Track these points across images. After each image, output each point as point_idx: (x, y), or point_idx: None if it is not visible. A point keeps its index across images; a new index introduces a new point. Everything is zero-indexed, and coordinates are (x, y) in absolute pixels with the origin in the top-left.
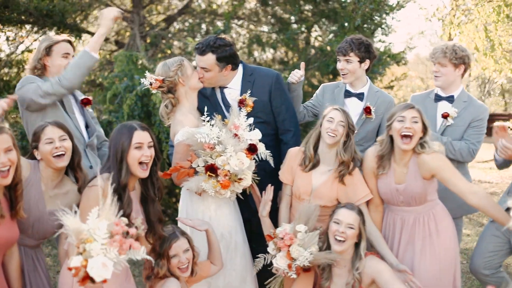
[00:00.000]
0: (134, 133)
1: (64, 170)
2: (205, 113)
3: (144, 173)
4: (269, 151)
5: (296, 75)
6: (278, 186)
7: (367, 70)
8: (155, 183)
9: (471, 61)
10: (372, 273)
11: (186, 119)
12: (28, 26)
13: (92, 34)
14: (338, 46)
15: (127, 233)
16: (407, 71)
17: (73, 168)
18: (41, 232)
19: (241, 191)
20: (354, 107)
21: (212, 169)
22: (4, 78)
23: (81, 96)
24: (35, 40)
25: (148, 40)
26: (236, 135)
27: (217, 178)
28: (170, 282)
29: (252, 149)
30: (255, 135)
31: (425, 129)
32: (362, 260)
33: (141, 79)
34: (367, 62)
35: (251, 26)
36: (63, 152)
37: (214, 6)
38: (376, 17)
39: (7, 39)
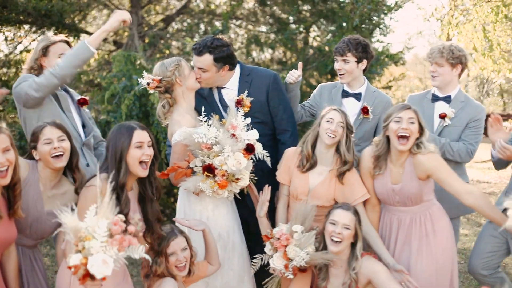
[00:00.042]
0: (134, 133)
1: (62, 171)
2: (202, 113)
3: (144, 172)
4: (267, 151)
5: (294, 75)
6: (276, 186)
7: (364, 70)
8: (153, 182)
9: (468, 61)
10: (368, 274)
11: (184, 119)
12: (26, 26)
13: (90, 34)
14: (335, 46)
15: (126, 230)
16: (405, 71)
17: (71, 169)
18: (39, 232)
19: (238, 191)
20: (352, 107)
21: (209, 169)
22: (3, 78)
23: (77, 96)
24: (34, 40)
25: (147, 40)
26: (233, 135)
27: (214, 178)
28: (166, 281)
29: (249, 149)
30: (253, 135)
31: (421, 129)
32: (359, 260)
33: (138, 79)
34: (365, 62)
35: (250, 26)
36: (61, 153)
37: (213, 6)
38: (374, 17)
39: (6, 39)
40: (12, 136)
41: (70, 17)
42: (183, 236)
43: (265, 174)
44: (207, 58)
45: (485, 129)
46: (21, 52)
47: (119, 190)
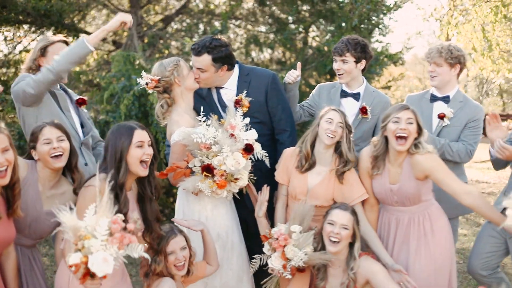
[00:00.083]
0: (134, 132)
1: (61, 171)
2: (201, 113)
3: (144, 172)
4: (265, 151)
5: (292, 75)
6: (274, 186)
7: (363, 70)
8: (152, 182)
9: (466, 61)
10: (366, 274)
11: (182, 119)
12: (26, 26)
13: (89, 34)
14: (334, 46)
15: (125, 228)
16: (405, 71)
17: (70, 169)
18: (38, 232)
19: (237, 191)
20: (350, 107)
21: (208, 169)
22: (2, 78)
23: (76, 97)
24: (33, 40)
25: (146, 40)
26: (232, 135)
27: (213, 178)
28: (165, 281)
29: (248, 149)
30: (251, 135)
31: (419, 130)
32: (357, 260)
33: (137, 79)
34: (363, 62)
35: (249, 26)
36: (60, 153)
37: (212, 6)
38: (374, 18)
39: (5, 39)
40: (11, 136)
41: (70, 17)
42: (183, 236)
43: (264, 174)
44: (206, 58)
45: (484, 129)
46: (20, 52)
47: (118, 190)
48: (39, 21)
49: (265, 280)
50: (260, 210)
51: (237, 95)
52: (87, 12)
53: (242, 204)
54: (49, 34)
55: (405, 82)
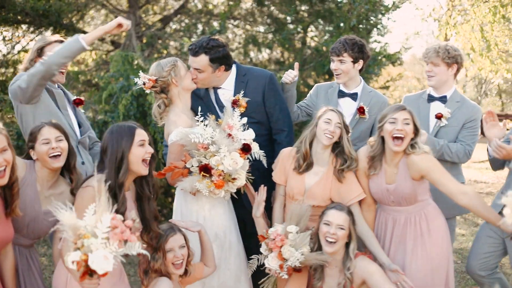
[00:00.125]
0: (136, 131)
1: (59, 171)
2: (198, 114)
3: (146, 170)
4: (263, 151)
5: (290, 75)
6: (272, 186)
7: (360, 70)
8: (150, 181)
9: (463, 60)
10: (362, 274)
11: (180, 119)
12: (24, 26)
13: None
14: (331, 46)
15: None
16: (403, 72)
17: (69, 169)
18: (36, 232)
19: (235, 190)
20: (348, 107)
21: (206, 169)
22: (1, 78)
23: (73, 97)
24: (31, 40)
25: (144, 40)
26: (229, 135)
27: (211, 178)
28: (161, 281)
29: (246, 148)
30: (249, 135)
31: (416, 130)
32: (353, 260)
33: (135, 79)
34: (361, 62)
35: (247, 27)
36: (59, 153)
37: (210, 7)
38: (372, 18)
39: (4, 39)
40: (9, 136)
41: (68, 17)
42: (182, 234)
43: (261, 174)
44: (203, 59)
45: (482, 128)
46: (19, 52)
47: (117, 190)
48: (38, 21)
49: (262, 280)
50: (258, 210)
51: (234, 95)
52: (86, 12)
53: (240, 204)
54: (48, 34)
55: (403, 82)
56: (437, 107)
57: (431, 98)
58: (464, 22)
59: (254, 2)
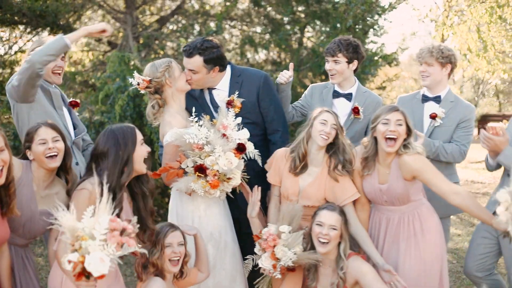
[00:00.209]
0: (136, 131)
1: (55, 171)
2: (193, 114)
3: (145, 168)
4: (258, 151)
5: (285, 76)
6: (267, 186)
7: (355, 71)
8: (144, 178)
9: (457, 60)
10: (355, 274)
11: (174, 120)
12: (21, 27)
13: None
14: (326, 47)
15: (124, 230)
16: (400, 72)
17: (65, 170)
18: (32, 232)
19: (230, 190)
20: (343, 108)
21: (201, 170)
22: None
23: (69, 100)
24: (29, 40)
25: (141, 41)
26: (224, 135)
27: (206, 178)
28: (154, 281)
29: (240, 148)
30: (244, 135)
31: (409, 131)
32: (345, 260)
33: (130, 79)
34: (355, 62)
35: (244, 27)
36: (55, 153)
37: (207, 7)
38: (368, 18)
39: (1, 39)
40: (6, 137)
41: (65, 18)
42: (180, 232)
43: (256, 174)
44: (197, 60)
45: (479, 129)
46: (16, 52)
47: (117, 190)
48: (35, 22)
49: (257, 280)
50: (253, 211)
51: (229, 95)
52: (83, 13)
53: (235, 204)
54: (45, 34)
55: (400, 83)
56: (431, 107)
57: (425, 98)
58: (461, 22)
59: (250, 3)
